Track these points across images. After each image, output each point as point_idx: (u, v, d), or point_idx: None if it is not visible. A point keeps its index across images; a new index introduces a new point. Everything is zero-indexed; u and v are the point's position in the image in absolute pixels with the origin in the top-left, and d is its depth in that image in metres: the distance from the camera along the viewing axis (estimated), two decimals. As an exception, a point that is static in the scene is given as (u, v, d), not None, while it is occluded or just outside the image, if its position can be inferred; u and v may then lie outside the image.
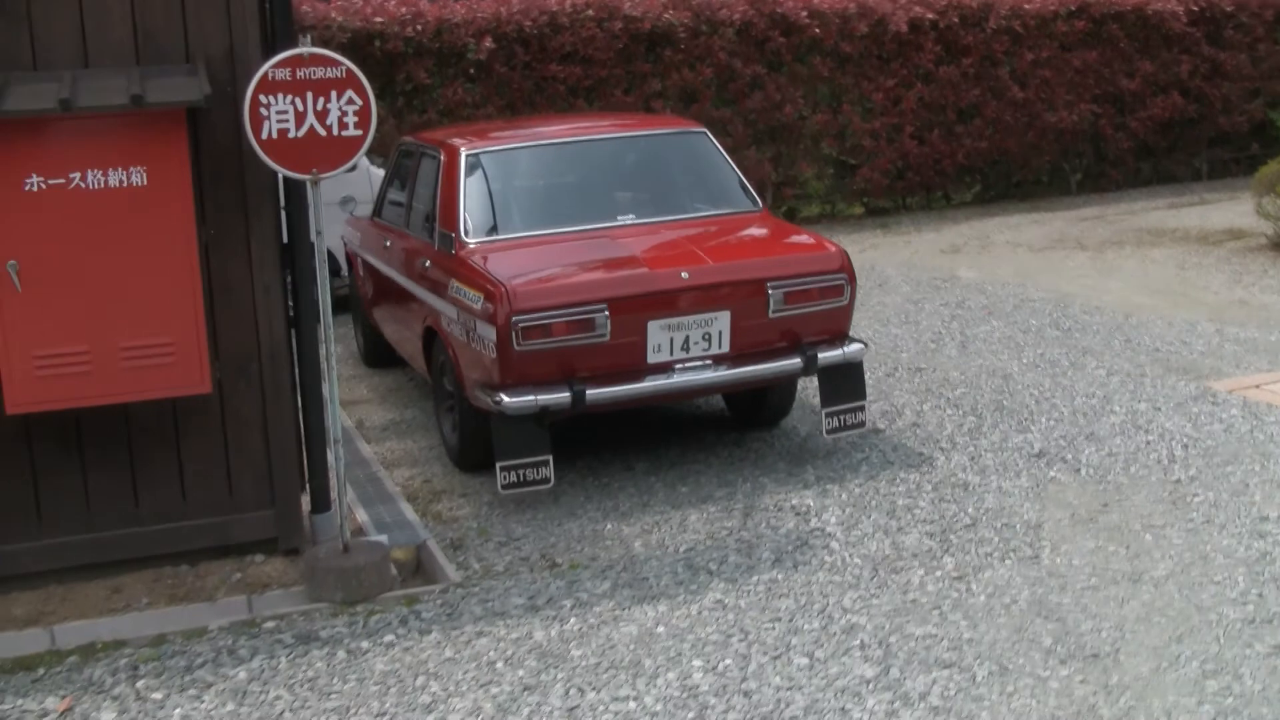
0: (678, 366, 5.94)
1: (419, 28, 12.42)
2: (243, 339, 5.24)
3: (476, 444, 6.27)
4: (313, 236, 5.05)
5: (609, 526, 5.74)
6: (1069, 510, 5.62)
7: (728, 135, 13.49)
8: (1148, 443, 6.40)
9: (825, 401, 6.24)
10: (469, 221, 6.42)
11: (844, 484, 6.07)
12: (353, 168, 5.09)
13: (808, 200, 14.56)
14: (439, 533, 5.78)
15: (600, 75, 13.04)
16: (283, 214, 5.41)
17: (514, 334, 5.67)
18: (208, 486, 5.31)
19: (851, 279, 6.18)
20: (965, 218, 13.97)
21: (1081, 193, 15.33)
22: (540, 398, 5.75)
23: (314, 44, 4.96)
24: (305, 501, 5.53)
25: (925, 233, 13.16)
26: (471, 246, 6.32)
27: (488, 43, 12.47)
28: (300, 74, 4.86)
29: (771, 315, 6.01)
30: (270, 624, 4.94)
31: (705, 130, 7.10)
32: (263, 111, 4.84)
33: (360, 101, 4.95)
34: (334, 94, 4.91)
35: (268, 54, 4.98)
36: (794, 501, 5.88)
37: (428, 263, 6.62)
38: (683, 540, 5.54)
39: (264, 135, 4.85)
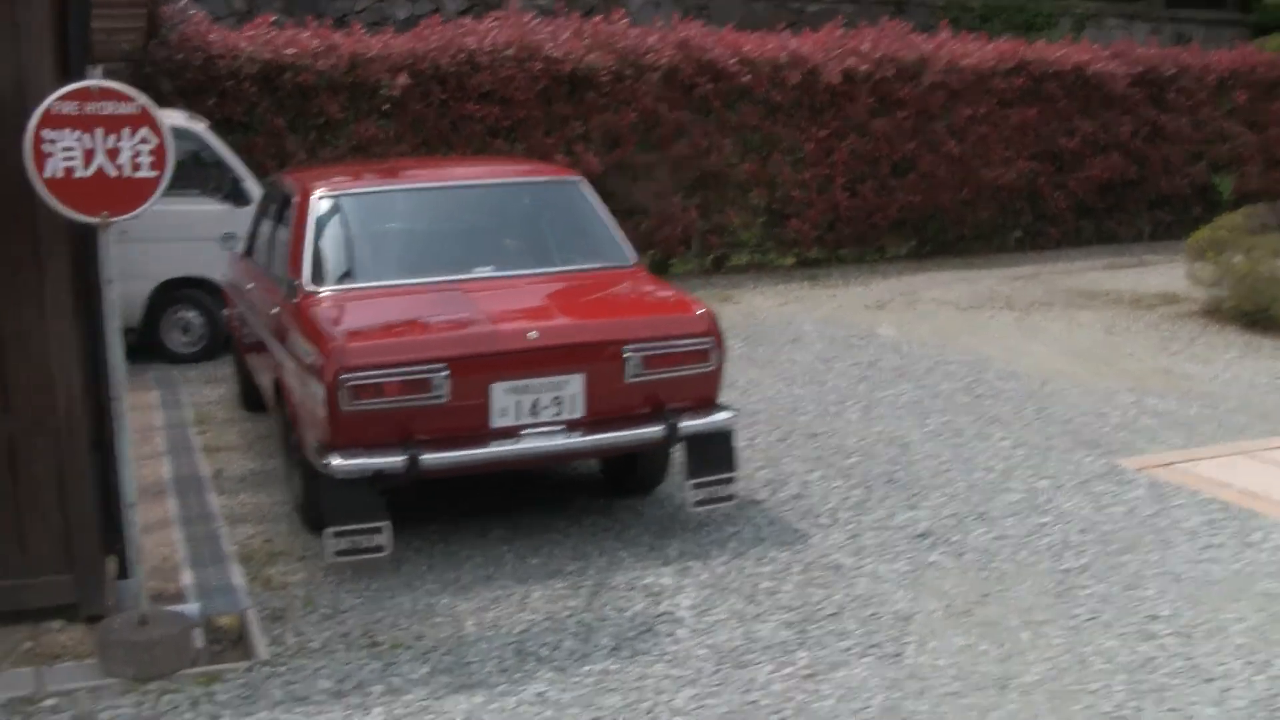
0: (525, 431, 5.54)
1: (333, 61, 12.06)
2: (37, 391, 4.80)
3: (319, 503, 5.83)
4: (104, 284, 4.62)
5: (444, 601, 5.31)
6: (944, 601, 5.22)
7: (653, 180, 13.17)
8: (1042, 525, 6.02)
9: (691, 473, 5.84)
10: (313, 268, 6.02)
11: (707, 561, 5.66)
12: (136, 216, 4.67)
13: (738, 249, 14.21)
14: (264, 600, 5.34)
15: (520, 116, 12.71)
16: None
17: (342, 392, 5.26)
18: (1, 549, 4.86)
19: (719, 343, 5.79)
20: (897, 272, 13.66)
21: (1020, 250, 15.09)
22: (372, 461, 5.33)
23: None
24: (114, 566, 5.09)
25: (853, 286, 12.83)
26: (313, 295, 5.92)
27: (403, 79, 12.12)
28: (89, 109, 4.47)
29: (629, 379, 5.61)
30: (50, 701, 4.51)
31: (579, 180, 6.72)
32: (46, 148, 4.44)
33: (155, 140, 4.55)
34: (127, 131, 4.51)
35: (65, 85, 4.57)
36: (649, 580, 5.47)
37: (275, 309, 6.22)
38: (519, 620, 5.11)
39: (48, 174, 4.45)
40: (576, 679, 4.61)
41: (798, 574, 5.50)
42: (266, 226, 7.18)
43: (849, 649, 4.81)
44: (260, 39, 11.93)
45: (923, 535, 5.92)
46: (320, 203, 6.24)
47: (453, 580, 5.53)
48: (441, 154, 12.64)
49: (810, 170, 13.75)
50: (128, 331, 9.89)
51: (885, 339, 10.20)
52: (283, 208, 6.74)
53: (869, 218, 14.12)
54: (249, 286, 7.16)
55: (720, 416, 5.84)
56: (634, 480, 6.46)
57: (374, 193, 6.46)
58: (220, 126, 11.79)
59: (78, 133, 4.46)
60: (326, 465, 5.32)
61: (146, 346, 9.97)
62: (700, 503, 5.85)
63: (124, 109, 4.50)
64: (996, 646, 4.81)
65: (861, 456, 7.12)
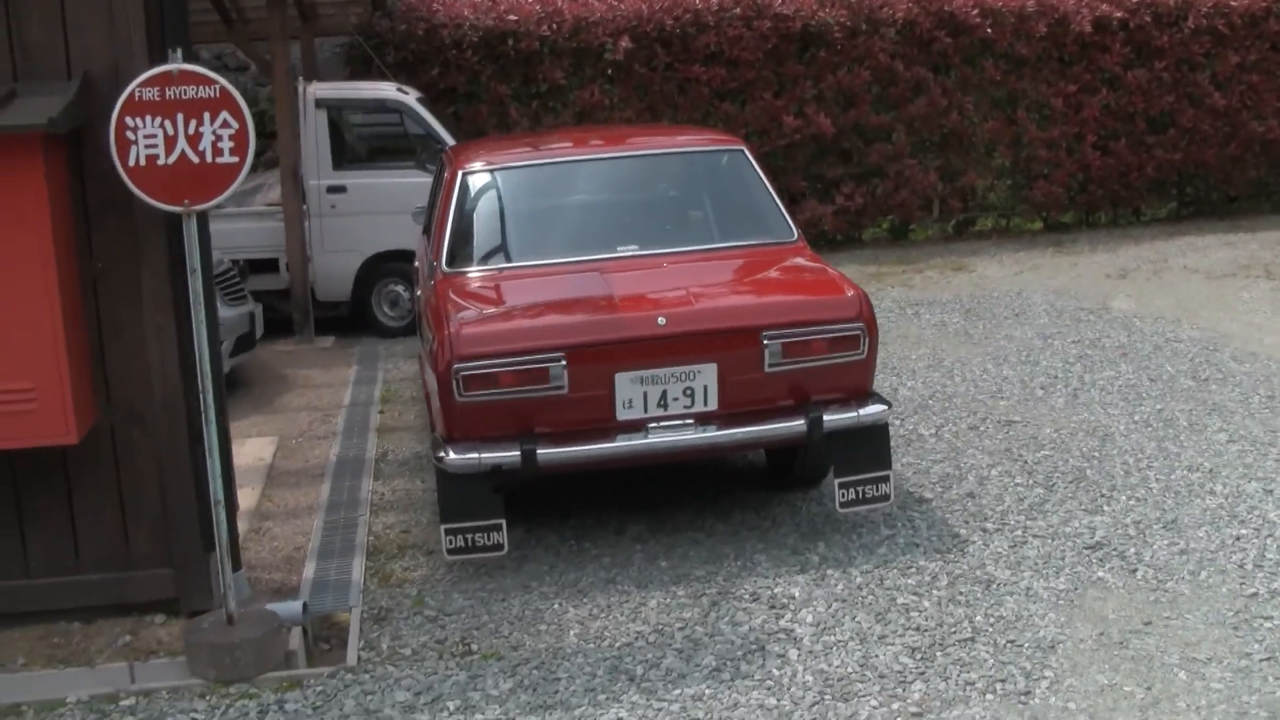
0: (652, 425, 5.11)
1: (555, 26, 11.81)
2: (135, 383, 4.70)
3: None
4: (189, 275, 4.43)
5: (555, 606, 4.97)
6: (1099, 628, 4.54)
7: (889, 142, 12.41)
8: (1237, 539, 5.20)
9: (839, 471, 5.29)
10: (451, 248, 5.74)
11: (848, 569, 5.11)
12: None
13: (982, 214, 13.28)
14: (375, 598, 5.14)
15: (747, 78, 12.17)
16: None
17: (455, 382, 4.96)
18: (101, 541, 4.80)
19: (871, 329, 5.20)
20: (1151, 237, 12.45)
21: (1298, 211, 13.55)
22: (486, 456, 5.02)
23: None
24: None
25: (1098, 253, 11.76)
26: (449, 278, 5.64)
27: (625, 42, 11.76)
28: (170, 93, 4.28)
29: (768, 369, 5.10)
30: (129, 701, 4.42)
31: (741, 148, 6.19)
32: (129, 135, 4.28)
33: (236, 124, 4.33)
34: (207, 116, 4.31)
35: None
36: (778, 589, 4.98)
37: (419, 292, 5.98)
38: (626, 632, 4.73)
39: (131, 162, 4.30)
40: (662, 704, 4.19)
41: (942, 588, 4.90)
42: (431, 203, 6.96)
43: (972, 683, 4.21)
44: (483, 6, 11.77)
45: (1095, 546, 5.20)
46: (466, 179, 5.95)
47: (571, 583, 5.17)
48: (668, 119, 12.25)
49: (1058, 128, 12.67)
50: (338, 305, 9.98)
51: (1117, 313, 9.24)
52: (438, 185, 6.50)
53: (1123, 178, 12.93)
54: (417, 265, 6.96)
55: (872, 410, 5.26)
56: (795, 474, 5.92)
57: (522, 167, 6.11)
58: (444, 97, 11.76)
59: (159, 119, 4.29)
60: (440, 459, 5.05)
61: (357, 320, 10.00)
62: (848, 504, 5.29)
63: (205, 93, 4.30)
64: (1144, 688, 4.12)
65: (1054, 449, 6.36)
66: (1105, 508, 5.59)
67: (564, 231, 5.91)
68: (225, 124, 4.31)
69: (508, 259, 5.76)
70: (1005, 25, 12.34)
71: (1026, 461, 6.24)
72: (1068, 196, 12.95)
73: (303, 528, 5.97)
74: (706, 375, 5.09)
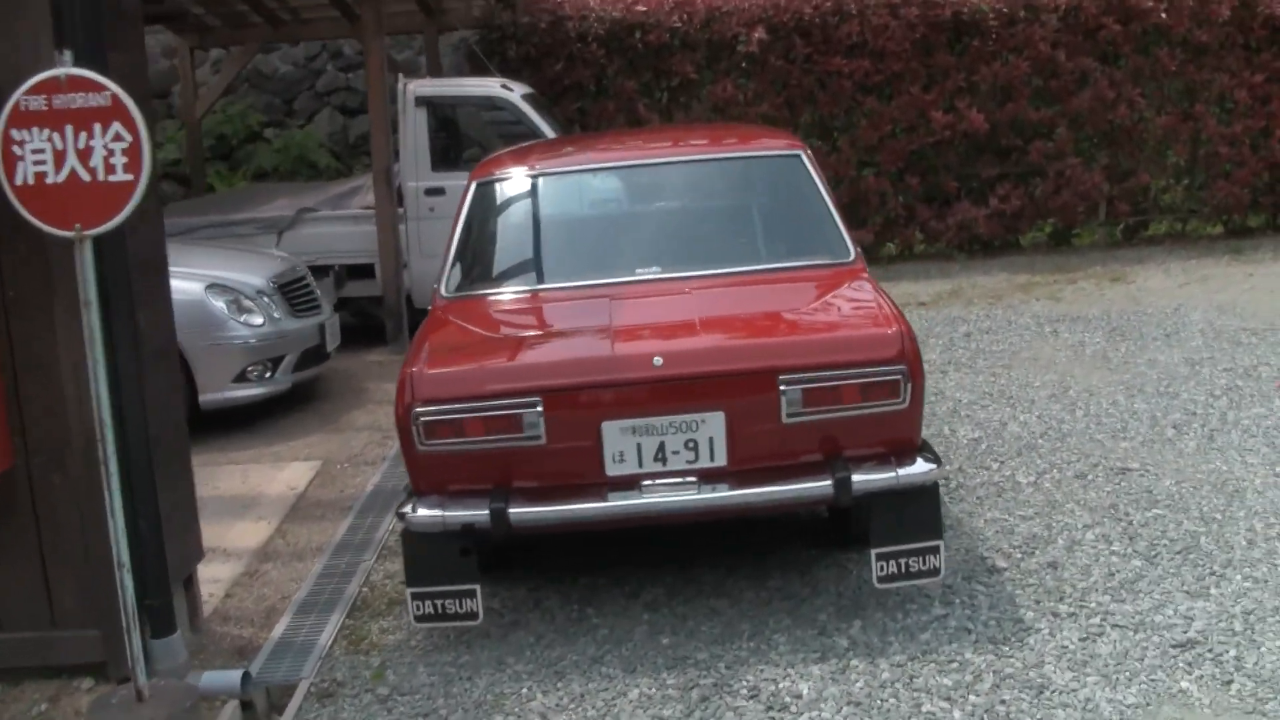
0: (647, 483, 4.28)
1: (686, 16, 11.01)
2: (53, 424, 4.13)
3: None
4: (83, 307, 3.81)
5: (524, 690, 4.21)
6: (1167, 763, 3.53)
7: (1050, 138, 11.19)
8: (1373, 644, 4.09)
9: (876, 539, 4.38)
10: (452, 269, 5.03)
11: (876, 660, 4.21)
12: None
13: (1155, 217, 11.90)
14: (336, 667, 4.48)
15: (893, 70, 11.15)
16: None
17: (415, 429, 4.25)
18: (21, 597, 4.28)
19: (915, 372, 4.27)
20: (1350, 244, 10.92)
21: None
22: (451, 514, 4.29)
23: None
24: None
25: (1281, 263, 10.34)
26: (445, 303, 4.93)
27: (759, 33, 10.87)
28: (58, 102, 3.67)
29: (787, 419, 4.23)
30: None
31: (799, 152, 5.28)
32: (16, 150, 3.69)
33: (130, 138, 3.70)
34: (98, 127, 3.69)
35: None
36: (785, 684, 4.11)
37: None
38: (592, 732, 3.93)
39: (19, 180, 3.72)
40: (595, 840, 3.37)
41: (983, 693, 3.96)
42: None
43: (981, 842, 3.27)
44: (610, -2, 11.06)
45: (1187, 644, 4.16)
46: (480, 191, 5.24)
47: (552, 661, 4.41)
48: (808, 115, 11.31)
49: (1242, 122, 11.24)
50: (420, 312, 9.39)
51: (1288, 336, 7.94)
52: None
53: (1318, 176, 11.41)
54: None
55: (915, 470, 4.32)
56: (849, 532, 5.02)
57: (540, 177, 5.34)
58: (569, 93, 11.11)
59: (47, 131, 3.68)
60: (401, 516, 4.34)
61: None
62: (887, 579, 4.38)
63: (95, 101, 3.68)
64: None
65: (1168, 508, 5.28)
66: (1212, 590, 4.52)
67: (582, 250, 5.13)
68: (118, 137, 3.68)
69: (513, 283, 5.03)
70: (1182, 9, 10.99)
71: (1131, 523, 5.18)
72: (1252, 197, 11.47)
73: (300, 572, 5.37)
74: (712, 426, 4.24)
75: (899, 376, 4.23)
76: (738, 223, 5.22)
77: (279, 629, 4.83)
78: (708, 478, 4.30)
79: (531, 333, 4.65)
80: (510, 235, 5.22)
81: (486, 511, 4.26)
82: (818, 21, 11.04)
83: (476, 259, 5.10)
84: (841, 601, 4.67)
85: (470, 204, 5.18)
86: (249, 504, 6.29)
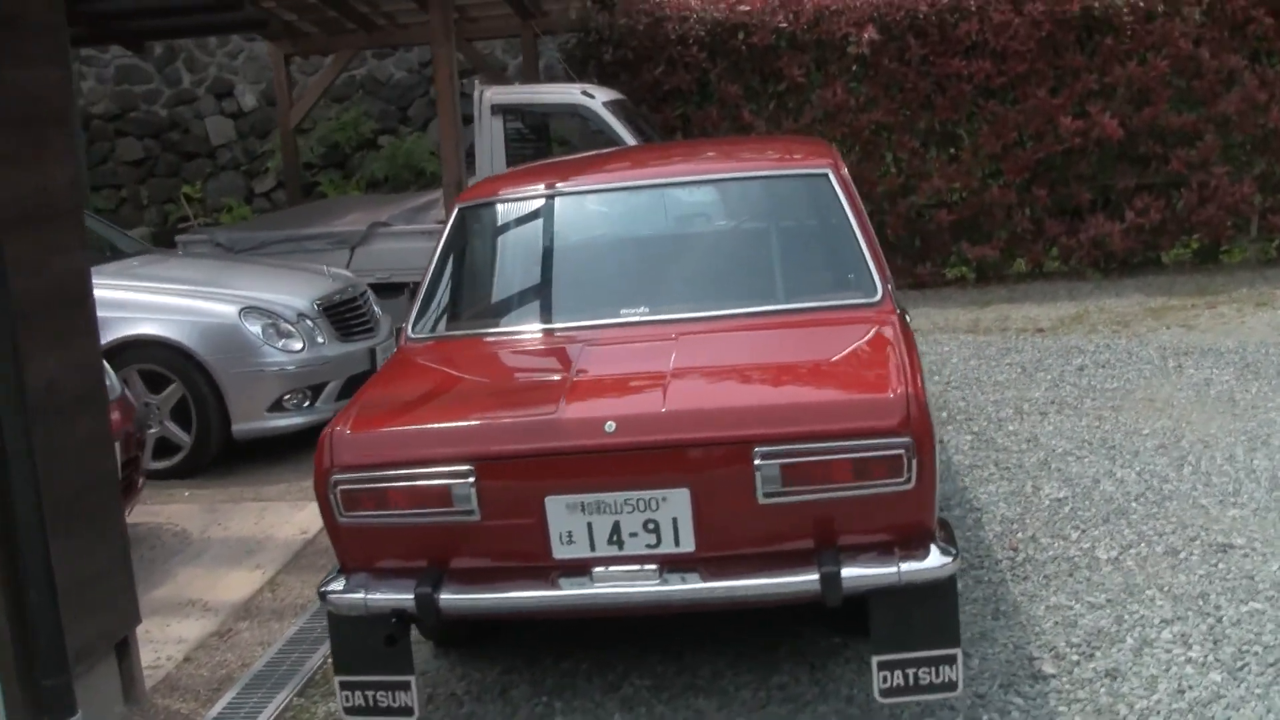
0: (599, 570, 3.57)
1: (793, 16, 10.20)
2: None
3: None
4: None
5: (448, 812, 3.54)
6: None
7: (1192, 148, 10.03)
8: None
9: (877, 645, 3.58)
10: (424, 306, 4.40)
11: (869, 796, 3.41)
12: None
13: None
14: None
15: (1017, 71, 10.15)
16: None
17: (333, 498, 3.62)
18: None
19: (923, 445, 3.45)
20: None
21: None
22: (373, 597, 3.65)
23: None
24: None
25: None
26: (408, 345, 4.31)
27: (870, 33, 9.99)
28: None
29: (764, 500, 3.46)
30: None
31: (828, 170, 4.48)
32: None
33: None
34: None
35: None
36: (750, 823, 3.35)
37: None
38: None
39: None
40: None
41: None
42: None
43: None
44: (712, -3, 10.33)
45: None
46: (461, 218, 4.59)
47: (493, 769, 3.73)
48: (925, 121, 10.39)
49: None
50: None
51: None
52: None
53: None
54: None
55: (923, 565, 3.51)
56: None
57: (528, 201, 4.66)
58: (670, 99, 10.42)
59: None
60: (323, 594, 3.72)
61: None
62: (891, 693, 3.58)
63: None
64: None
65: (1270, 602, 4.36)
66: (1308, 727, 3.59)
67: (565, 287, 4.45)
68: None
69: (484, 325, 4.36)
70: (1349, -1, 9.70)
71: (1220, 620, 4.25)
72: None
73: (273, 635, 4.83)
74: (676, 504, 3.51)
75: (901, 451, 3.42)
76: (747, 255, 4.47)
77: (217, 707, 4.28)
78: (672, 565, 3.57)
79: (480, 387, 3.98)
80: (489, 269, 4.58)
81: (411, 596, 3.61)
82: (934, 19, 10.10)
83: (451, 296, 4.46)
84: (849, 710, 3.88)
85: (450, 232, 4.55)
86: (253, 549, 5.77)
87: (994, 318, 9.29)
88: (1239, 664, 3.95)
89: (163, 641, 4.86)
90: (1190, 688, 3.84)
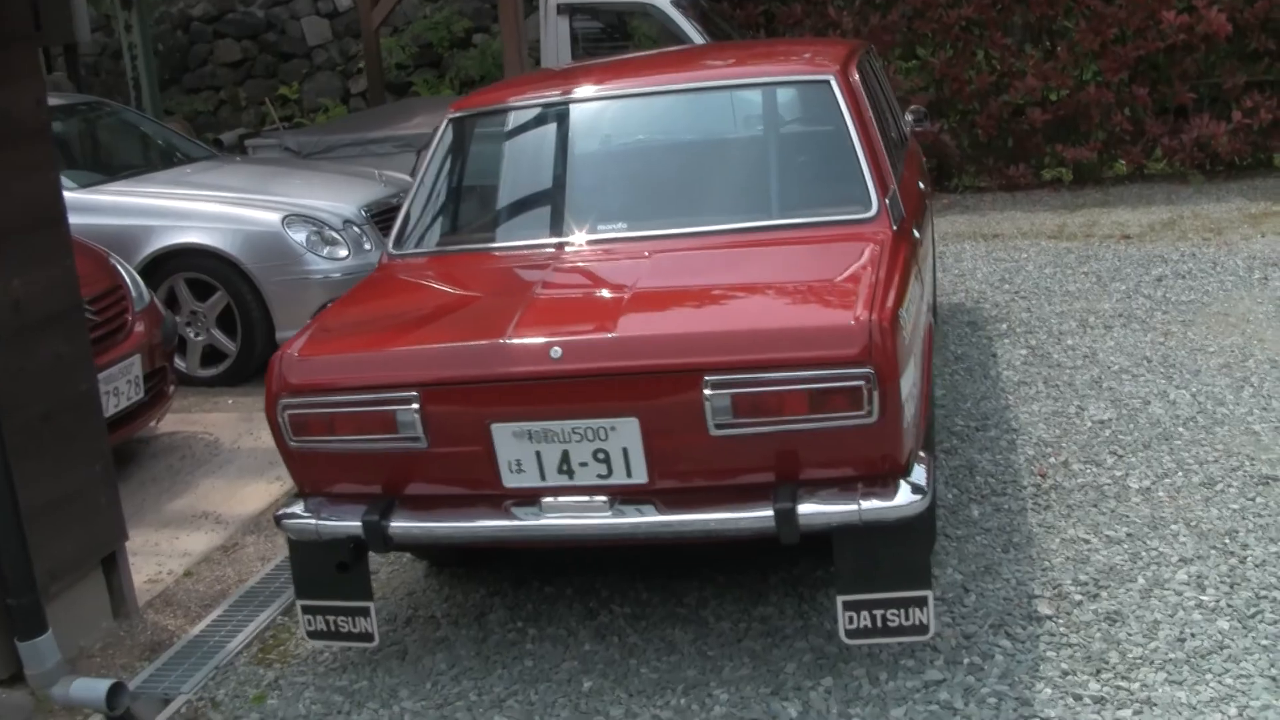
0: (548, 500, 3.39)
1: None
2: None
3: None
4: None
5: (394, 743, 3.44)
6: None
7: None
8: None
9: (842, 585, 3.35)
10: (406, 220, 4.22)
11: (822, 744, 3.22)
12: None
13: None
14: (227, 679, 3.87)
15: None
16: None
17: (283, 423, 3.49)
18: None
19: (886, 375, 3.17)
20: None
21: None
22: (324, 523, 3.54)
23: None
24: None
25: None
26: (386, 263, 4.15)
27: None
28: None
29: (716, 431, 3.23)
30: None
31: (830, 77, 4.14)
32: None
33: None
34: None
35: None
36: (692, 768, 3.18)
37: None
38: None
39: None
40: None
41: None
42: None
43: None
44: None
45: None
46: (450, 128, 4.38)
47: (450, 699, 3.65)
48: (1020, 16, 9.75)
49: None
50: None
51: None
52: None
53: None
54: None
55: (887, 503, 3.25)
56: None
57: (515, 111, 4.42)
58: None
59: None
60: (277, 518, 3.63)
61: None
62: (857, 634, 3.36)
63: None
64: None
65: None
66: (1312, 682, 3.26)
67: (546, 201, 4.22)
68: None
69: (462, 241, 4.17)
70: None
71: (1244, 561, 3.90)
72: None
73: (274, 550, 4.76)
74: (625, 434, 3.30)
75: (861, 382, 3.15)
76: (737, 168, 4.17)
77: (202, 624, 4.24)
78: (625, 497, 3.37)
79: (439, 309, 3.79)
80: (473, 184, 4.35)
81: (359, 523, 3.48)
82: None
83: (434, 211, 4.26)
84: (828, 647, 3.66)
85: (438, 143, 4.34)
86: (276, 460, 5.56)
87: (1081, 223, 8.75)
88: (1252, 611, 3.62)
89: (169, 555, 4.85)
90: (1193, 635, 3.52)
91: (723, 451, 3.28)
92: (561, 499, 3.38)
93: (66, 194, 6.14)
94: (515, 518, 3.43)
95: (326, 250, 6.78)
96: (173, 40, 14.33)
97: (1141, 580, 3.86)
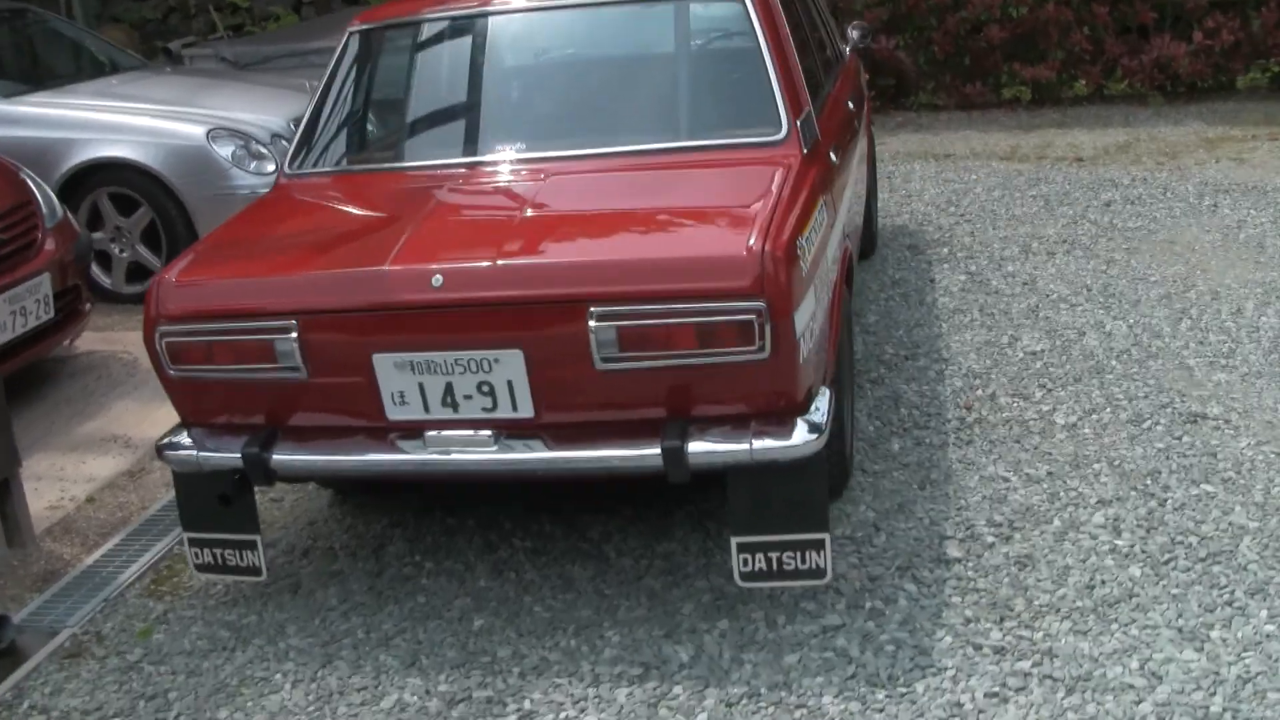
0: (431, 434, 3.23)
1: None
2: None
3: None
4: None
5: (276, 677, 3.33)
6: None
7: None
8: None
9: (736, 526, 3.21)
10: (301, 140, 4.01)
11: (704, 691, 3.10)
12: None
13: None
14: (115, 612, 3.72)
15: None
16: None
17: (161, 350, 3.31)
18: None
19: (779, 308, 3.00)
20: None
21: None
22: (204, 454, 3.37)
23: None
24: None
25: None
26: (284, 181, 3.95)
27: None
28: None
29: (601, 365, 3.06)
30: None
31: None
32: None
33: None
34: None
35: None
36: (567, 715, 3.05)
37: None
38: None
39: None
40: None
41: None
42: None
43: None
44: None
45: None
46: (351, 43, 4.14)
47: (338, 636, 3.51)
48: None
49: None
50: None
51: None
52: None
53: None
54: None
55: (780, 442, 3.10)
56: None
57: (422, 25, 4.18)
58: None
59: None
60: (158, 448, 3.46)
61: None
62: (752, 577, 3.23)
63: None
64: None
65: (1224, 485, 3.86)
66: (1214, 634, 3.14)
67: (443, 119, 4.05)
68: None
69: (358, 161, 3.97)
70: None
71: (1164, 503, 3.78)
72: None
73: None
74: (509, 367, 3.13)
75: (752, 316, 2.98)
76: (642, 88, 3.96)
77: (98, 553, 4.10)
78: (511, 431, 3.21)
79: (325, 233, 3.59)
80: (371, 102, 4.12)
81: (237, 455, 3.32)
82: None
83: (334, 129, 4.04)
84: (729, 587, 3.51)
85: (337, 59, 4.12)
86: None
87: (1035, 144, 8.54)
88: (1165, 557, 3.49)
89: (74, 480, 4.68)
90: (1102, 582, 3.40)
91: (610, 386, 3.11)
92: (445, 433, 3.22)
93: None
94: (399, 451, 3.28)
95: (254, 165, 6.53)
96: (123, -56, 13.86)
97: (1057, 522, 3.73)
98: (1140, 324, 5.18)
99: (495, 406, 3.18)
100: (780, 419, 3.13)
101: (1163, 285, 5.61)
